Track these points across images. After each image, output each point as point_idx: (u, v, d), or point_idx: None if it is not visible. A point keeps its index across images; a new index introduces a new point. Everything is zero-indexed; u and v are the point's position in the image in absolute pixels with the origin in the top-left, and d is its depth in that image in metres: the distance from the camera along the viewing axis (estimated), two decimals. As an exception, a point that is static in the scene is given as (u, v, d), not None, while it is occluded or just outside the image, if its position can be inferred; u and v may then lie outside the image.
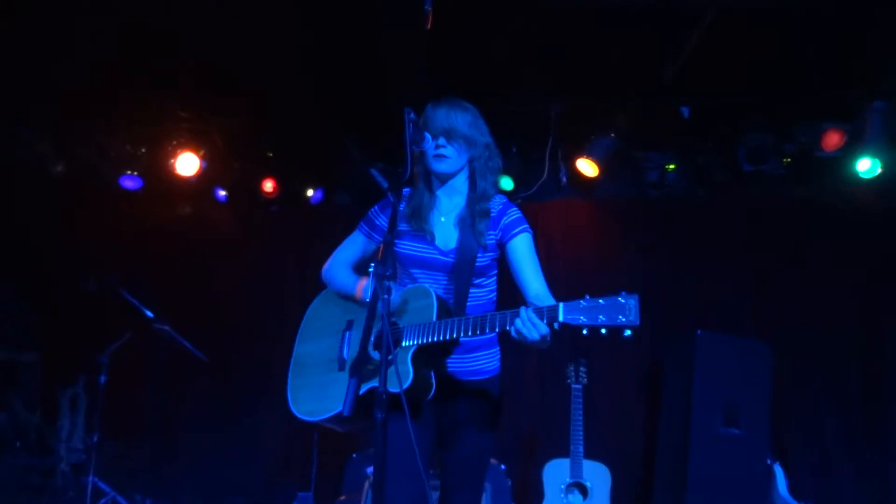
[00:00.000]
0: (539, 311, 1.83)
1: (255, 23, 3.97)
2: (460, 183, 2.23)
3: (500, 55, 4.26)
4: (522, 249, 2.17)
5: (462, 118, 2.16)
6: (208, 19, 3.93)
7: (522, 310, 1.84)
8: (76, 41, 4.13)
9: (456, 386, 2.12)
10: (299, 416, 2.18)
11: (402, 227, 2.22)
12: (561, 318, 1.80)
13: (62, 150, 5.38)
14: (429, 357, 2.00)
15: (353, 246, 2.34)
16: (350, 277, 2.27)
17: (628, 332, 1.76)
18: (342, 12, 3.84)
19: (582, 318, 1.77)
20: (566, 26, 3.94)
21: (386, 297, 1.72)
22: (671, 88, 4.53)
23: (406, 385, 1.90)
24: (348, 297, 2.25)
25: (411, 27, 3.73)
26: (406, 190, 2.29)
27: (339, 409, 1.97)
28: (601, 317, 1.75)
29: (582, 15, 3.86)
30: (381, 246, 1.83)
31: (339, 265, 2.33)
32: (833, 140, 4.59)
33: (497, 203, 2.24)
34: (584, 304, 1.78)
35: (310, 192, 5.47)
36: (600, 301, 1.76)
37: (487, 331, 1.90)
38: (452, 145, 2.14)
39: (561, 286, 2.12)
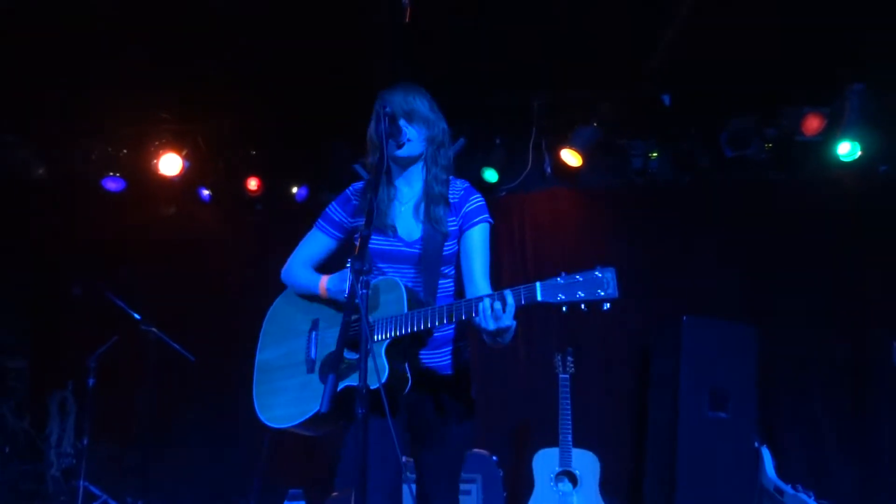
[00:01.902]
0: (516, 292, 1.81)
1: (236, 21, 3.96)
2: (418, 169, 2.19)
3: (480, 48, 4.26)
4: (478, 240, 2.14)
5: (420, 101, 2.15)
6: (187, 19, 3.91)
7: (498, 295, 1.81)
8: (55, 44, 4.10)
9: (427, 381, 2.09)
10: (270, 423, 2.12)
11: (361, 220, 2.17)
12: (539, 298, 1.79)
13: (43, 153, 5.35)
14: (402, 350, 1.97)
15: (312, 244, 2.29)
16: (311, 275, 2.22)
17: (607, 306, 1.76)
18: (321, 6, 3.83)
19: (560, 295, 1.76)
20: (544, 16, 3.94)
21: (364, 291, 1.70)
22: (652, 76, 4.55)
23: (383, 380, 1.88)
24: (311, 296, 2.20)
25: (391, 21, 3.74)
26: (359, 184, 2.27)
27: (316, 409, 1.96)
28: (580, 293, 1.75)
29: (561, 4, 3.86)
30: (358, 241, 1.79)
31: (299, 265, 2.28)
32: (813, 124, 4.61)
33: (458, 188, 2.21)
34: (562, 281, 1.77)
35: (294, 190, 5.47)
36: (577, 277, 1.76)
37: (463, 317, 1.87)
38: (413, 127, 2.12)
39: (549, 275, 2.11)
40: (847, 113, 4.48)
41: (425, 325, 1.90)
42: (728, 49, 4.19)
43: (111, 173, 5.29)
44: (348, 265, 1.77)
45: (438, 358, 2.15)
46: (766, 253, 4.96)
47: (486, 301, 1.80)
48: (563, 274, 1.78)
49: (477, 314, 1.83)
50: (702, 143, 5.04)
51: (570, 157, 4.98)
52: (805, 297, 4.87)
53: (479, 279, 2.09)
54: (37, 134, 5.24)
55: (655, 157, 5.12)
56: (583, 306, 1.76)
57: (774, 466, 4.30)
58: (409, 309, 1.94)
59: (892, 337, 4.56)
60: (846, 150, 4.61)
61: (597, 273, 1.75)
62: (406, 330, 1.92)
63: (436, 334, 2.11)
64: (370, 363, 1.67)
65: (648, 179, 5.16)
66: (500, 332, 1.83)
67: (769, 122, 4.78)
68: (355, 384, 1.73)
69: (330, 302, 2.16)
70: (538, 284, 1.80)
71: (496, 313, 1.79)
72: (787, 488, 4.11)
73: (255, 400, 2.19)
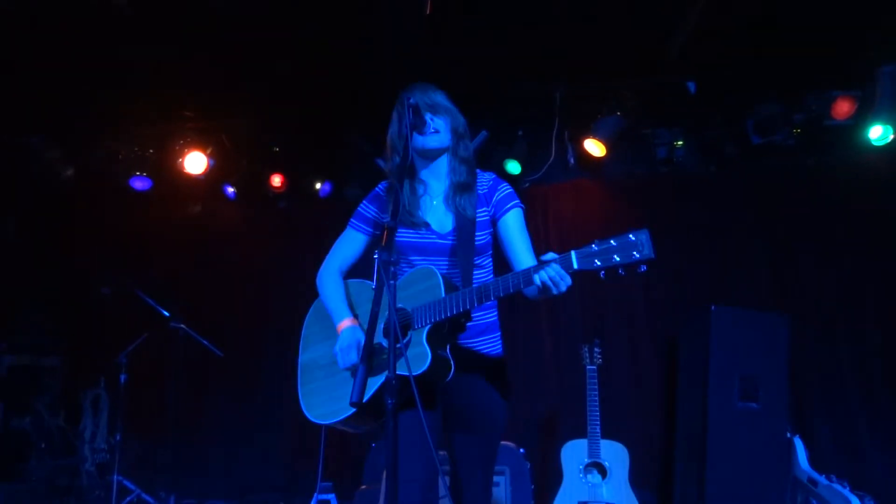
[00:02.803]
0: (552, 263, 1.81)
1: (258, 18, 3.98)
2: (444, 162, 2.21)
3: (502, 40, 4.23)
4: (515, 225, 2.16)
5: (439, 94, 2.18)
6: (208, 17, 3.94)
7: (546, 265, 1.80)
8: (79, 46, 4.16)
9: (471, 365, 2.09)
10: (315, 420, 2.17)
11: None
12: (575, 266, 1.78)
13: (71, 155, 5.44)
14: (443, 336, 1.97)
15: (347, 244, 2.30)
16: (341, 305, 2.21)
17: (644, 268, 1.74)
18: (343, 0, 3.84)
19: (597, 261, 1.76)
20: (566, 4, 3.90)
21: (392, 282, 1.71)
22: (676, 64, 4.48)
23: (425, 367, 1.88)
24: (331, 323, 2.20)
25: (413, 14, 3.73)
26: (384, 183, 2.27)
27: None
28: (616, 257, 1.74)
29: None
30: (384, 233, 1.79)
31: (332, 274, 2.28)
32: (844, 108, 4.51)
33: (487, 179, 2.23)
34: (596, 247, 1.76)
35: (318, 186, 5.49)
36: (612, 242, 1.75)
37: (511, 290, 1.87)
38: (440, 119, 2.14)
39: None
40: (878, 96, 4.38)
41: (464, 306, 1.90)
42: (753, 33, 4.11)
43: (138, 173, 5.37)
44: (375, 256, 1.76)
45: (482, 344, 2.16)
46: (796, 240, 4.88)
47: (552, 269, 1.79)
48: (597, 241, 1.77)
49: (526, 284, 1.84)
50: (728, 131, 4.96)
51: (594, 148, 4.93)
52: (836, 284, 4.78)
53: (526, 258, 2.11)
54: (64, 136, 5.33)
55: (681, 145, 5.05)
56: (620, 270, 1.75)
57: (808, 457, 4.23)
58: (446, 294, 1.95)
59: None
60: (878, 133, 4.51)
61: (630, 237, 1.74)
62: (447, 314, 1.92)
63: (477, 321, 2.12)
64: (408, 352, 1.66)
65: (674, 168, 5.09)
66: (556, 294, 1.83)
67: (797, 107, 4.69)
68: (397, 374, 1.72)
69: (362, 301, 2.19)
70: (573, 253, 1.79)
71: (563, 276, 1.79)
72: (822, 479, 4.05)
73: (301, 399, 2.24)
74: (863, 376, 4.64)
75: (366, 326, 2.05)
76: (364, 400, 1.67)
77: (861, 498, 3.72)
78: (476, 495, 2.11)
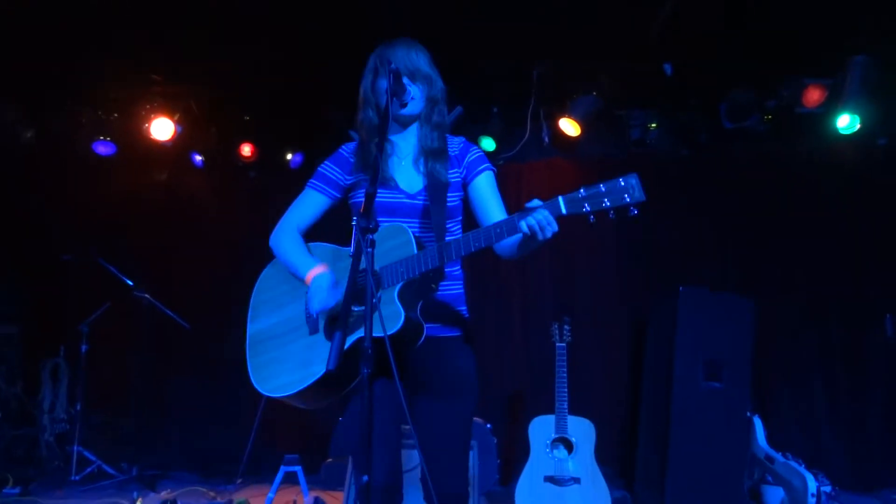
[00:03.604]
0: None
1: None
2: (415, 127, 2.15)
3: (479, 15, 4.18)
4: (487, 186, 2.13)
5: (422, 57, 2.11)
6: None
7: (531, 211, 1.75)
8: (41, 5, 3.98)
9: (431, 341, 2.01)
10: (267, 393, 2.04)
11: (359, 177, 2.14)
12: (563, 211, 1.75)
13: (31, 117, 5.24)
14: (414, 294, 1.91)
15: (305, 205, 2.20)
16: (303, 256, 2.10)
17: (635, 211, 1.74)
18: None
19: (586, 205, 1.74)
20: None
21: (369, 250, 1.67)
22: (653, 47, 4.48)
23: (398, 326, 1.82)
24: (297, 279, 2.09)
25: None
26: (352, 144, 2.21)
27: (323, 370, 1.89)
28: (605, 201, 1.72)
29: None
30: (365, 199, 1.73)
31: (290, 232, 2.17)
32: (814, 96, 4.58)
33: (457, 143, 2.19)
34: (584, 192, 1.74)
35: (289, 157, 5.40)
36: (601, 187, 1.73)
37: (493, 240, 1.82)
38: (416, 86, 2.08)
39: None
40: (848, 85, 4.45)
41: (447, 258, 1.85)
42: (729, 19, 4.13)
43: (102, 137, 5.20)
44: (353, 222, 1.72)
45: (449, 313, 2.09)
46: (764, 226, 4.97)
47: (539, 214, 1.74)
48: (584, 186, 1.75)
49: (510, 233, 1.80)
50: (701, 115, 5.01)
51: (569, 127, 4.94)
52: (801, 269, 4.89)
53: (500, 216, 2.06)
54: (24, 96, 5.12)
55: (655, 128, 5.09)
56: (611, 214, 1.73)
57: (766, 436, 4.35)
58: (418, 250, 1.89)
59: (886, 310, 4.61)
60: (845, 122, 4.60)
61: (620, 181, 1.73)
62: (421, 269, 1.86)
63: (444, 291, 2.06)
64: (379, 313, 1.62)
65: (647, 150, 5.13)
66: (542, 242, 1.80)
67: (769, 94, 4.75)
68: (362, 335, 1.66)
69: (327, 262, 2.09)
70: (560, 198, 1.76)
71: (550, 223, 1.75)
72: (778, 456, 4.17)
73: (251, 373, 2.11)
74: (823, 361, 4.77)
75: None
76: (333, 364, 1.56)
77: (815, 475, 3.84)
78: (450, 468, 2.03)
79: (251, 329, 2.18)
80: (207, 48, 4.53)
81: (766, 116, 4.81)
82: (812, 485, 3.78)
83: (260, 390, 2.08)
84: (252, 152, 5.31)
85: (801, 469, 3.91)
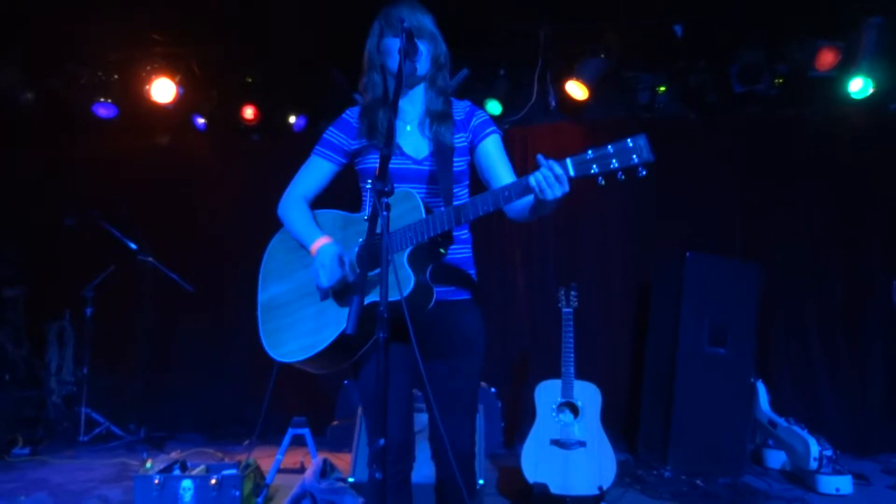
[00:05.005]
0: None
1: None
2: (421, 90, 2.13)
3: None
4: (494, 149, 2.12)
5: (426, 16, 2.08)
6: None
7: (543, 167, 1.72)
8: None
9: (441, 304, 2.02)
10: (280, 359, 2.05)
11: (363, 142, 2.11)
12: (572, 173, 1.73)
13: (30, 77, 5.15)
14: (424, 259, 1.91)
15: (312, 172, 2.18)
16: (310, 226, 2.09)
17: (643, 172, 1.70)
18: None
19: (594, 167, 1.71)
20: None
21: (385, 213, 1.65)
22: (663, 7, 4.39)
23: (408, 291, 1.82)
24: (303, 249, 2.08)
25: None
26: (356, 108, 2.17)
27: (337, 333, 1.92)
28: (614, 161, 1.69)
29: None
30: (379, 161, 1.70)
31: (297, 201, 2.16)
32: (827, 59, 4.49)
33: (463, 107, 2.17)
34: (591, 154, 1.71)
35: (292, 120, 5.33)
36: (608, 148, 1.70)
37: (501, 203, 1.81)
38: (422, 44, 2.05)
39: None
40: (862, 47, 4.37)
41: (457, 221, 1.84)
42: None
43: (102, 99, 5.12)
44: (367, 186, 1.69)
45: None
46: (771, 191, 4.93)
47: (545, 170, 1.72)
48: (592, 148, 1.72)
49: (520, 195, 1.78)
50: (711, 78, 4.93)
51: (576, 90, 4.86)
52: (806, 236, 4.87)
53: (508, 179, 2.04)
54: (22, 56, 5.03)
55: (663, 91, 5.02)
56: (620, 175, 1.70)
57: (769, 401, 4.39)
58: (426, 215, 1.88)
59: (892, 276, 4.60)
60: (858, 86, 4.53)
61: (629, 142, 1.69)
62: (432, 232, 1.86)
63: (452, 254, 2.06)
64: (391, 277, 1.61)
65: (655, 114, 5.06)
66: (555, 202, 1.77)
67: (781, 57, 4.66)
68: (376, 300, 1.65)
69: (335, 229, 2.08)
70: (568, 160, 1.74)
71: (559, 178, 1.72)
72: (781, 420, 4.21)
73: (263, 339, 2.12)
74: (825, 326, 4.78)
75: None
76: (352, 329, 1.56)
77: (817, 439, 3.88)
78: (459, 425, 2.06)
79: (262, 297, 2.18)
80: (208, 8, 4.44)
81: (777, 80, 4.73)
82: (815, 448, 3.82)
83: (273, 356, 2.08)
84: (255, 115, 5.24)
85: (804, 433, 3.95)
